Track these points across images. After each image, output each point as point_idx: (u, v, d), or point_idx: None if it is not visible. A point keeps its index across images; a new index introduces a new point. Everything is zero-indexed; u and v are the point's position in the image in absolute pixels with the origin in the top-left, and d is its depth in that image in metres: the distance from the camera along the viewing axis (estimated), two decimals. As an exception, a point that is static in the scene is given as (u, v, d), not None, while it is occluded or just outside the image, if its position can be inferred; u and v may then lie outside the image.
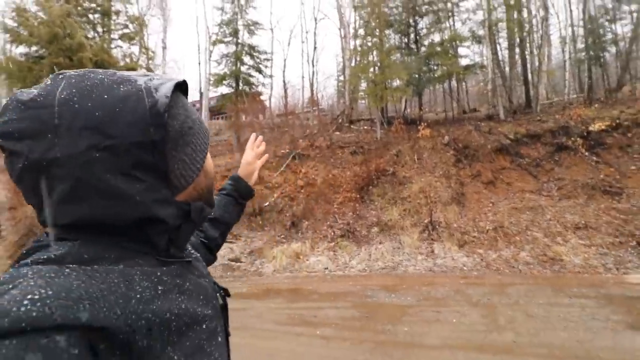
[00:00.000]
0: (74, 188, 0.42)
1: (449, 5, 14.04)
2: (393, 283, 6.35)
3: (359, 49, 13.98)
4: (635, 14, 12.59)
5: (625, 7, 13.40)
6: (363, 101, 15.23)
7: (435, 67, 13.35)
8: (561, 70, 16.42)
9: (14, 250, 9.20)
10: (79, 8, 13.59)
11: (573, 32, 15.33)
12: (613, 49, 13.66)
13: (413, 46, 14.00)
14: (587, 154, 8.87)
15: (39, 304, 0.33)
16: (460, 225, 8.01)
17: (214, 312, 0.53)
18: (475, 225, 7.94)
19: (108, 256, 0.44)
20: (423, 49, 13.75)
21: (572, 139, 9.11)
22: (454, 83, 14.75)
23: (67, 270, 0.39)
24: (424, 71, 13.21)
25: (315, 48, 19.83)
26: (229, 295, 0.64)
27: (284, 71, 22.28)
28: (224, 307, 0.61)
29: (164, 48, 20.23)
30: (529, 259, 6.83)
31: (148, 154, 0.44)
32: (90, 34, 14.07)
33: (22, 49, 12.70)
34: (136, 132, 0.43)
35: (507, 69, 13.43)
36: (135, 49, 16.06)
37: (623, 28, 13.81)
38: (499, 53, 13.89)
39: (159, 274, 0.47)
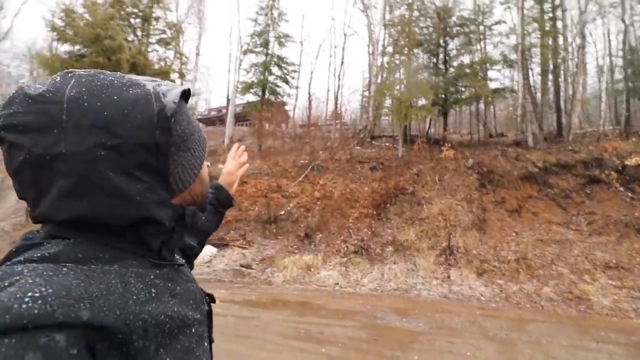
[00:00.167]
0: (76, 184, 0.42)
1: (481, 28, 13.92)
2: (405, 306, 6.11)
3: (386, 66, 14.01)
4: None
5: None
6: (386, 118, 15.20)
7: (463, 89, 13.18)
8: (596, 100, 15.82)
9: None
10: (122, 12, 14.36)
11: (611, 62, 14.85)
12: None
13: (442, 66, 13.91)
14: (621, 189, 8.40)
15: (40, 301, 0.34)
16: (480, 253, 7.69)
17: (201, 317, 0.54)
18: (496, 254, 7.59)
19: (102, 256, 0.44)
20: (452, 69, 13.63)
21: (606, 172, 8.66)
22: (481, 106, 14.48)
23: (64, 269, 0.39)
24: (451, 92, 13.06)
25: (342, 63, 19.90)
26: (214, 302, 0.64)
27: (309, 83, 22.58)
28: (209, 314, 0.61)
29: (197, 54, 20.98)
30: (552, 295, 6.43)
31: (152, 156, 0.46)
32: (130, 37, 14.79)
33: (66, 47, 13.51)
34: (143, 133, 0.44)
35: (538, 95, 13.09)
36: (170, 54, 16.74)
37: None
38: (531, 78, 13.57)
39: (152, 277, 0.47)
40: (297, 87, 18.03)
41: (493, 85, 13.74)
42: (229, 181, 1.07)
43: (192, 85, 20.62)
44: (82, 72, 0.46)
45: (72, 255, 0.42)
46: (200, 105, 30.94)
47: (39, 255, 0.41)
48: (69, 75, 0.45)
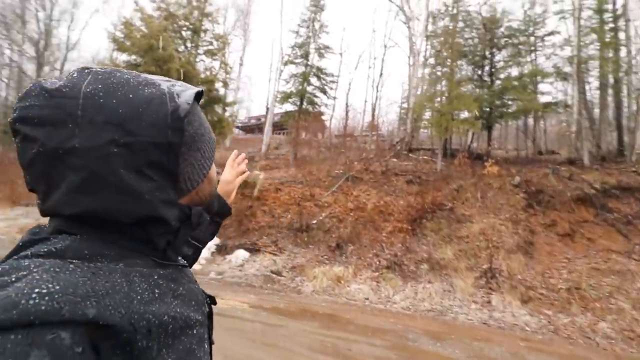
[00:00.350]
0: (87, 179, 0.42)
1: (532, 39, 13.19)
2: (439, 330, 5.73)
3: (427, 77, 13.67)
4: None
5: None
6: (425, 130, 14.73)
7: (509, 102, 12.48)
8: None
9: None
10: (174, 25, 15.35)
11: (682, 76, 13.35)
12: None
13: (487, 78, 13.32)
14: (696, 217, 7.41)
15: (47, 297, 0.34)
16: (525, 278, 7.08)
17: (203, 319, 0.53)
18: (545, 281, 6.95)
19: (108, 253, 0.44)
20: (498, 82, 13.00)
21: (677, 197, 7.71)
22: (530, 120, 13.61)
23: (71, 265, 0.39)
24: (496, 105, 12.42)
25: (381, 74, 19.83)
26: (215, 303, 0.64)
27: (347, 94, 22.61)
28: (209, 316, 0.60)
29: (241, 65, 21.96)
30: (610, 331, 5.73)
31: (163, 155, 0.46)
32: (181, 48, 15.75)
33: (124, 57, 14.64)
34: (156, 132, 0.45)
35: (596, 110, 12.07)
36: (215, 64, 17.61)
37: None
38: (588, 93, 12.55)
39: (155, 277, 0.47)
40: (334, 98, 18.18)
41: (544, 99, 12.82)
42: (227, 190, 1.04)
43: (235, 93, 21.49)
44: (99, 70, 0.47)
45: (78, 252, 0.42)
46: (241, 113, 32.11)
47: (45, 250, 0.41)
48: (86, 71, 0.46)
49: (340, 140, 16.69)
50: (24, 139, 0.43)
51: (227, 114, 18.07)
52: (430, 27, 15.29)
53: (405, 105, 17.47)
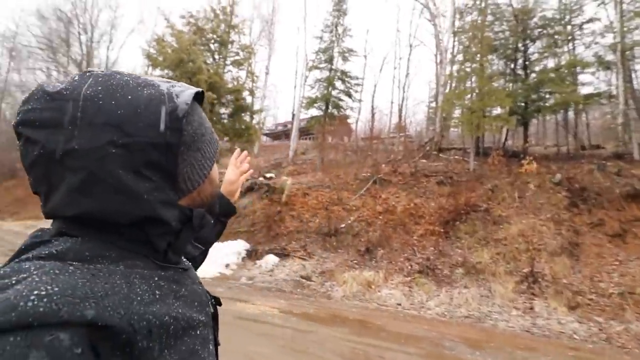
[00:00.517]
0: (86, 180, 0.42)
1: (569, 28, 12.42)
2: (478, 337, 5.44)
3: (456, 74, 13.22)
4: None
5: None
6: (455, 129, 14.25)
7: (547, 96, 11.77)
8: None
9: None
10: (202, 38, 15.95)
11: None
12: None
13: (520, 72, 12.68)
14: None
15: (45, 299, 0.34)
16: (571, 283, 6.58)
17: (207, 320, 0.53)
18: (594, 286, 6.43)
19: (109, 255, 0.44)
20: (533, 75, 12.32)
21: None
22: (570, 114, 12.77)
23: (71, 267, 0.39)
24: (532, 99, 11.76)
25: (407, 74, 19.41)
26: (220, 304, 0.63)
27: (373, 96, 22.23)
28: (215, 317, 0.60)
29: (267, 73, 22.38)
30: (673, 341, 5.18)
31: (161, 156, 0.46)
32: (209, 60, 16.33)
33: (157, 72, 15.39)
34: (154, 133, 0.45)
35: (646, 100, 11.10)
36: (242, 73, 18.08)
37: None
38: (634, 82, 11.59)
39: (156, 278, 0.47)
40: (360, 101, 18.03)
41: (585, 90, 11.99)
42: (230, 190, 1.05)
43: (261, 101, 21.95)
44: (99, 72, 0.47)
45: (79, 254, 0.42)
46: (268, 120, 32.77)
47: (46, 252, 0.41)
48: (87, 74, 0.46)
49: (367, 143, 16.52)
50: (26, 141, 0.43)
51: (254, 121, 18.47)
52: (457, 23, 14.84)
53: (433, 104, 17.04)
